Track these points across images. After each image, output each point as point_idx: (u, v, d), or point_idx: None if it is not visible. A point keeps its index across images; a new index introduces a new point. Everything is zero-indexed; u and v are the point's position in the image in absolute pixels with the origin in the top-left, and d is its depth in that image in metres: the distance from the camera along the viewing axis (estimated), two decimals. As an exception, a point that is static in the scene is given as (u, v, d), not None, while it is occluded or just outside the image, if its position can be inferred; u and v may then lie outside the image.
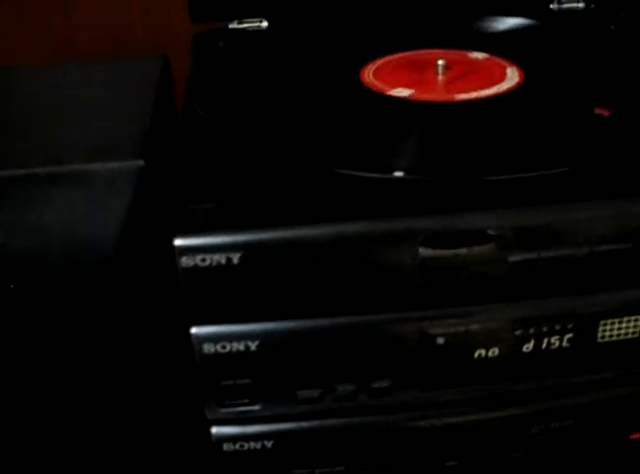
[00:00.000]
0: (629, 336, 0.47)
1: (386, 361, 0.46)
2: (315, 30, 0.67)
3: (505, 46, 0.62)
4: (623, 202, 0.43)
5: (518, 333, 0.46)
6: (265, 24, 0.69)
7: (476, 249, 0.43)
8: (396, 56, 0.61)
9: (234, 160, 0.48)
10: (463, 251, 0.43)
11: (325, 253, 0.42)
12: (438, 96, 0.55)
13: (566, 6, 0.70)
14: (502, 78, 0.57)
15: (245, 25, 0.69)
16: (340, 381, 0.46)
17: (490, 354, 0.47)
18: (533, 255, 0.43)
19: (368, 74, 0.58)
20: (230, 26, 0.69)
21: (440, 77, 0.57)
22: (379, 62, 0.60)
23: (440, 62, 0.57)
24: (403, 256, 0.43)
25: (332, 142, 0.50)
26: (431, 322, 0.45)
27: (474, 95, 0.55)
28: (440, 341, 0.45)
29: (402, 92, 0.55)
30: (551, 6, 0.70)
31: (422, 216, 0.43)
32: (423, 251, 0.43)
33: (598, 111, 0.51)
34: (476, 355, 0.46)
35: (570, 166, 0.45)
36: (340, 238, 0.42)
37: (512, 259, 0.43)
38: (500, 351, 0.46)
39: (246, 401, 0.46)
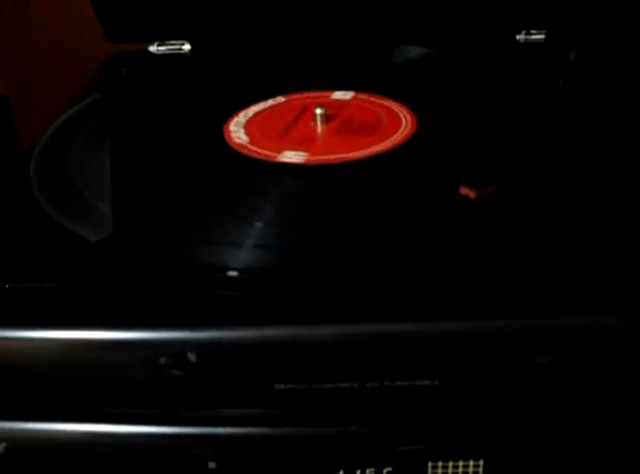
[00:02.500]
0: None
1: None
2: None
3: (404, 84, 0.53)
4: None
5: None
6: (187, 47, 0.62)
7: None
8: (268, 104, 0.53)
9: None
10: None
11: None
12: (312, 158, 0.46)
13: (534, 37, 0.59)
14: (392, 130, 0.48)
15: (166, 47, 0.62)
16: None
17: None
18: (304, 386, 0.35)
19: (236, 131, 0.49)
20: (150, 48, 0.62)
21: (319, 130, 0.48)
22: (250, 113, 0.51)
23: (319, 111, 0.48)
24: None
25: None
26: (200, 443, 0.38)
27: (350, 155, 0.45)
28: (212, 465, 0.38)
29: (290, 157, 0.46)
30: (517, 37, 0.60)
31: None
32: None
33: (464, 191, 0.41)
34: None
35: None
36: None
37: (277, 387, 0.35)
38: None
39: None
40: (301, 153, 0.46)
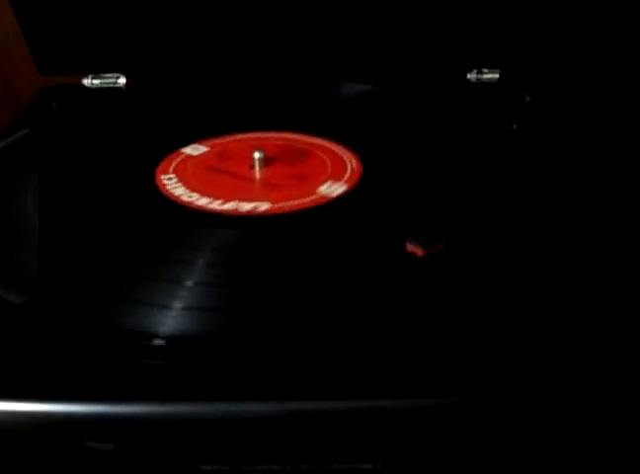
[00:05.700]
0: None
1: None
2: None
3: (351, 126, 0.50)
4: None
5: None
6: (122, 80, 0.59)
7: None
8: (204, 146, 0.49)
9: None
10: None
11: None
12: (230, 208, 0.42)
13: (487, 76, 0.57)
14: (336, 177, 0.45)
15: (100, 81, 0.59)
16: None
17: None
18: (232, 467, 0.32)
19: (168, 177, 0.45)
20: (84, 81, 0.59)
21: (257, 176, 0.45)
22: (184, 156, 0.48)
23: (257, 155, 0.45)
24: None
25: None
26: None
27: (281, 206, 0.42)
28: None
29: (225, 206, 0.42)
30: (468, 76, 0.57)
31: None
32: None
33: (410, 248, 0.38)
34: None
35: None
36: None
37: (203, 467, 0.32)
38: None
39: None
40: (237, 202, 0.42)
